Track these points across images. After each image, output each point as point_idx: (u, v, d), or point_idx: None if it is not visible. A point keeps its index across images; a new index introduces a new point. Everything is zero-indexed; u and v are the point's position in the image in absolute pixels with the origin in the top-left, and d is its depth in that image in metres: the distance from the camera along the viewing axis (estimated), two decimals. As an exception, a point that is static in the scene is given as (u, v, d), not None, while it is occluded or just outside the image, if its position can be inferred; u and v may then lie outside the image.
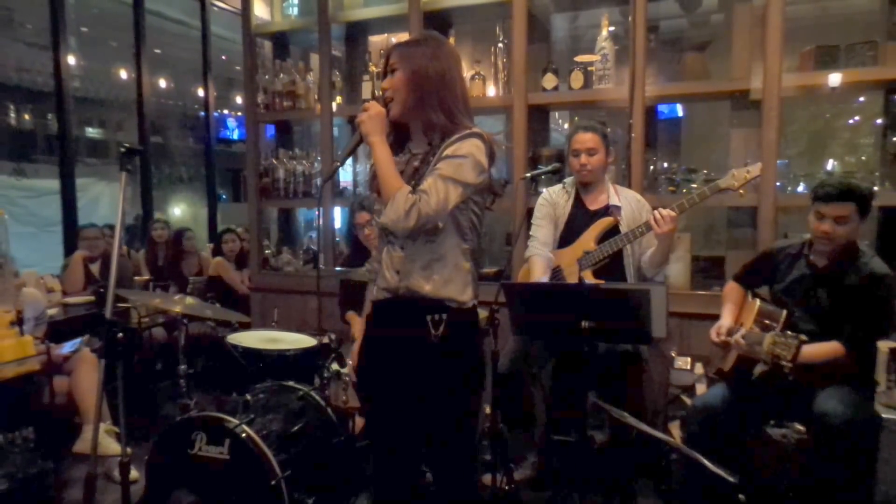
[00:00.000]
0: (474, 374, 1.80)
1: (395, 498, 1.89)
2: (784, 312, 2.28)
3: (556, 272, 2.76)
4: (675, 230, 2.47)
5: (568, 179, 2.90)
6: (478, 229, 1.79)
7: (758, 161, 2.94)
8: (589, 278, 2.62)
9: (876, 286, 2.20)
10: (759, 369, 2.30)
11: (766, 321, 2.30)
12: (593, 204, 2.78)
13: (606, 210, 2.72)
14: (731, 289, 2.58)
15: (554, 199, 2.86)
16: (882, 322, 2.24)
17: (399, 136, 1.81)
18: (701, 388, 2.73)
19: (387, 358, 1.80)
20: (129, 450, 2.04)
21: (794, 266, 2.39)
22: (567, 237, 2.78)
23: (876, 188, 2.90)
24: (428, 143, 1.74)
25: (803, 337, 2.03)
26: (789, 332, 2.07)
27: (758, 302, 2.36)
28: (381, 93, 1.76)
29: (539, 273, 2.71)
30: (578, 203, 2.81)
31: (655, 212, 2.47)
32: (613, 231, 2.67)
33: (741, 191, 2.47)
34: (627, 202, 2.73)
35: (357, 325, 3.11)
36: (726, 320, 2.46)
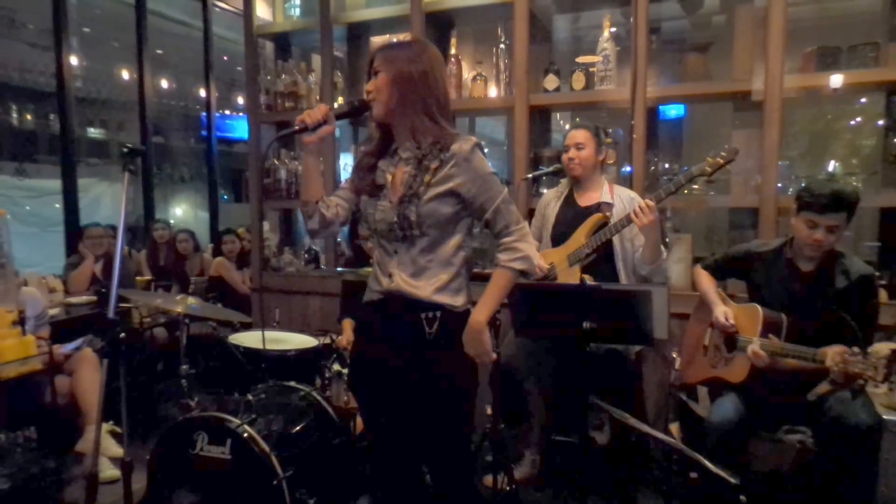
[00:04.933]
0: (468, 372, 1.79)
1: (395, 498, 1.90)
2: (784, 318, 2.27)
3: (549, 271, 2.76)
4: (655, 221, 2.48)
5: (563, 180, 2.93)
6: (472, 234, 1.82)
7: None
8: (577, 274, 2.63)
9: (866, 287, 2.23)
10: (823, 388, 2.25)
11: (772, 329, 2.27)
12: (585, 202, 2.81)
13: (598, 208, 2.74)
14: (704, 276, 2.58)
15: (547, 200, 2.91)
16: (875, 320, 2.27)
17: (385, 138, 1.83)
18: (702, 390, 2.73)
19: (379, 357, 1.80)
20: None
21: (773, 269, 2.38)
22: (560, 235, 2.80)
23: (877, 188, 2.91)
24: (417, 146, 1.74)
25: (882, 352, 1.99)
26: (857, 349, 2.02)
27: (760, 309, 2.32)
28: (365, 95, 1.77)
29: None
30: (570, 201, 2.85)
31: (635, 206, 2.49)
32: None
33: (712, 176, 2.51)
34: (620, 200, 2.75)
35: (348, 332, 3.11)
36: (722, 305, 2.44)
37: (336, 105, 3.79)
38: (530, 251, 1.75)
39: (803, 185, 2.33)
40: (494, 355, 1.74)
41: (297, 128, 1.75)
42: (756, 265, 2.44)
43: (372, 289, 1.84)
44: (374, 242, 1.84)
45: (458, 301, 1.76)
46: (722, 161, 2.46)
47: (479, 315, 1.73)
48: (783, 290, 2.34)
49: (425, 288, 1.73)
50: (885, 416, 2.21)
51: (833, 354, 2.05)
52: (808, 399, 2.29)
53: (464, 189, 1.71)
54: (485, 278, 1.81)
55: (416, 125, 1.72)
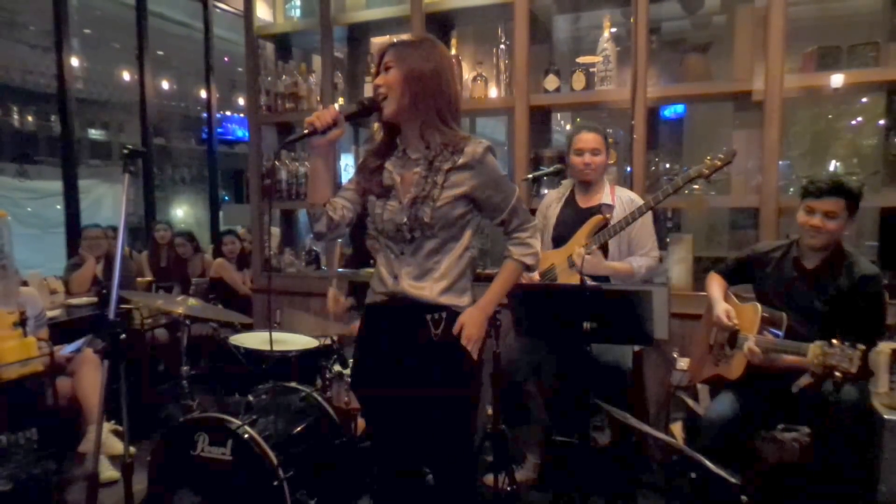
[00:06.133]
0: (471, 373, 1.79)
1: (397, 498, 1.90)
2: (784, 316, 2.28)
3: (549, 272, 2.77)
4: (593, 263, 2.58)
5: (565, 181, 2.93)
6: (478, 234, 1.83)
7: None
8: (576, 276, 2.64)
9: (870, 286, 2.23)
10: (804, 381, 2.25)
11: (771, 327, 2.28)
12: (587, 203, 2.82)
13: (599, 209, 2.75)
14: (716, 279, 2.58)
15: (548, 202, 2.93)
16: (880, 321, 2.26)
17: (391, 136, 1.81)
18: (703, 390, 2.73)
19: (383, 358, 1.80)
20: (132, 450, 2.04)
21: (781, 268, 2.39)
22: (561, 236, 2.80)
23: (878, 188, 2.91)
24: (426, 147, 1.73)
25: (861, 346, 1.99)
26: (835, 342, 2.03)
27: (759, 307, 2.33)
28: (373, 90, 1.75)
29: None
30: (571, 203, 2.85)
31: (634, 207, 2.55)
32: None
33: (712, 177, 2.53)
34: (621, 201, 2.76)
35: (331, 299, 3.07)
36: (724, 303, 2.45)
37: (337, 105, 3.79)
38: (539, 248, 1.82)
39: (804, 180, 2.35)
40: (475, 356, 1.75)
41: (306, 132, 1.70)
42: (764, 265, 2.45)
43: (376, 290, 1.83)
44: (380, 243, 1.82)
45: (463, 301, 1.76)
46: (720, 163, 2.47)
47: (485, 301, 1.77)
48: (788, 288, 2.35)
49: (431, 289, 1.72)
50: (886, 416, 2.21)
51: (814, 348, 2.07)
52: (792, 391, 2.29)
53: (478, 192, 1.72)
54: (486, 279, 1.82)
55: (426, 125, 1.70)
